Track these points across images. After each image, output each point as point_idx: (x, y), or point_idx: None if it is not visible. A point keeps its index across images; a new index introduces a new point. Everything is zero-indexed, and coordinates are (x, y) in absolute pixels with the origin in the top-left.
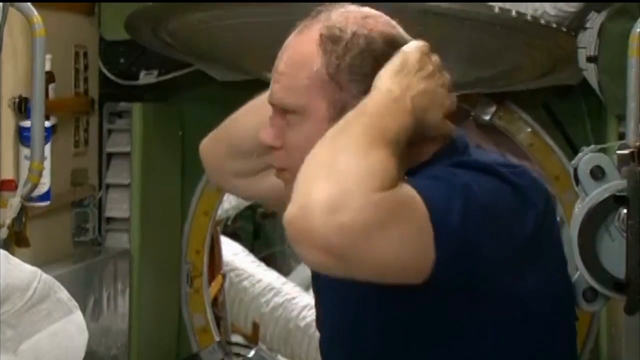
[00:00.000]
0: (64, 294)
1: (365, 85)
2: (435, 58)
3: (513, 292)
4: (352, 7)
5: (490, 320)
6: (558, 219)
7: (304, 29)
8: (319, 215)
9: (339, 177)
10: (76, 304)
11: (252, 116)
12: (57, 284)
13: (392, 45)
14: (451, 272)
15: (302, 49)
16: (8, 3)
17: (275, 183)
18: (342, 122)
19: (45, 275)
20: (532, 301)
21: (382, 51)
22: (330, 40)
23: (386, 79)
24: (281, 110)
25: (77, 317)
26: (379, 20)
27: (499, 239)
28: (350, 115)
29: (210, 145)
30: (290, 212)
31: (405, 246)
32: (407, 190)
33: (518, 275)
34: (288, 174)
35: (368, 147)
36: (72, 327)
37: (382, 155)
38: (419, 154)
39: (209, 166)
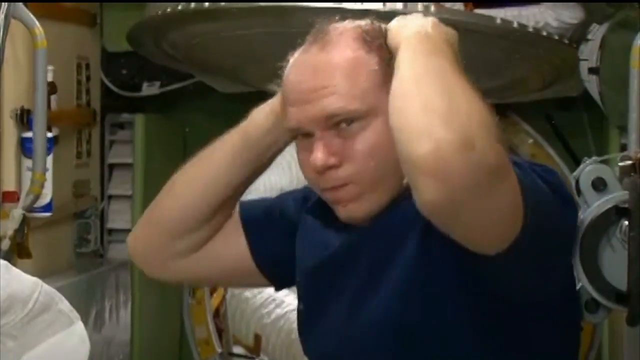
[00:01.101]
0: (65, 305)
1: None
2: None
3: (551, 288)
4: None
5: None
6: None
7: (328, 43)
8: (455, 151)
9: (463, 120)
10: (77, 315)
11: (191, 184)
12: (59, 295)
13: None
14: (529, 244)
15: (344, 56)
16: (10, 14)
17: (225, 252)
18: (420, 60)
19: (46, 287)
20: (556, 301)
21: None
22: (368, 41)
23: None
24: (336, 123)
25: (79, 329)
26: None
27: (554, 224)
28: (426, 52)
29: (146, 233)
30: (423, 147)
31: (510, 201)
32: None
33: (554, 269)
34: (354, 186)
35: (465, 86)
36: (73, 339)
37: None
38: None
39: (147, 256)
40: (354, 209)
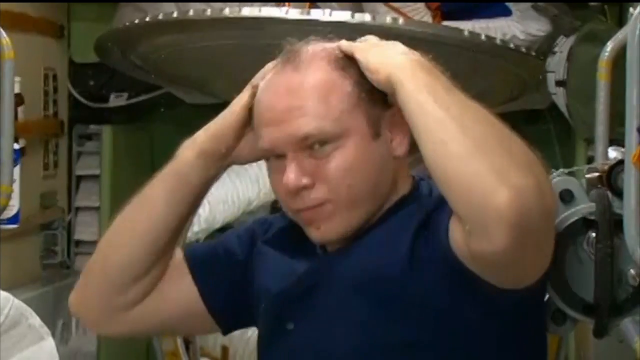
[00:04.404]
0: (35, 320)
1: (382, 95)
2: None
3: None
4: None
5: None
6: None
7: (301, 64)
8: (535, 197)
9: (528, 161)
10: (48, 330)
11: (131, 231)
12: (30, 310)
13: None
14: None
15: (318, 78)
16: None
17: (173, 298)
18: (459, 105)
19: (17, 301)
20: (526, 313)
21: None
22: (343, 63)
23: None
24: (310, 145)
25: (49, 344)
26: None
27: None
28: (455, 99)
29: (90, 289)
30: (502, 195)
31: (552, 238)
32: None
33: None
34: (331, 205)
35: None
36: (43, 354)
37: None
38: (398, 189)
39: (93, 313)
40: (328, 229)
